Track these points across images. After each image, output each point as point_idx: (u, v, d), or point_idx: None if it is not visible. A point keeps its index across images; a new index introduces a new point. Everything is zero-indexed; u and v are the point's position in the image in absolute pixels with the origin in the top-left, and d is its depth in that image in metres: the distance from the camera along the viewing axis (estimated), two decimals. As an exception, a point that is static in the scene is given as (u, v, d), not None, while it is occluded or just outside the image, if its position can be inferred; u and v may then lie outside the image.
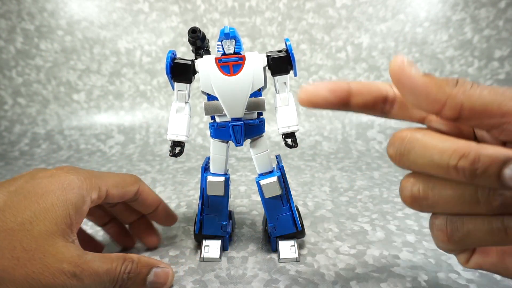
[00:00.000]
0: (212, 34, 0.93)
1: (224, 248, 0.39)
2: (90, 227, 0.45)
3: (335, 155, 0.81)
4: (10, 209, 0.26)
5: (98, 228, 0.43)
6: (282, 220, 0.37)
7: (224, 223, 0.38)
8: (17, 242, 0.25)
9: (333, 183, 0.62)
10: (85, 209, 0.29)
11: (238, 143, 0.35)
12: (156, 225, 0.45)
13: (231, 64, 0.32)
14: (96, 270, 0.27)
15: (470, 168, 0.18)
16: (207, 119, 0.92)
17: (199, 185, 0.37)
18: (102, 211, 0.38)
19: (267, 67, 0.34)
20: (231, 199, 0.54)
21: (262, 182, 0.35)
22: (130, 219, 0.39)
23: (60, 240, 0.26)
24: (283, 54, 0.34)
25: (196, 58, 0.34)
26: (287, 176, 0.39)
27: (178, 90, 0.35)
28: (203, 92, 0.34)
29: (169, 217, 0.40)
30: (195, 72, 0.34)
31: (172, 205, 0.53)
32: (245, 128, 0.34)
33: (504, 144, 0.21)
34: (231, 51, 0.32)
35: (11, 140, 0.91)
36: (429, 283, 0.33)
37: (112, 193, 0.32)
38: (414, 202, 0.22)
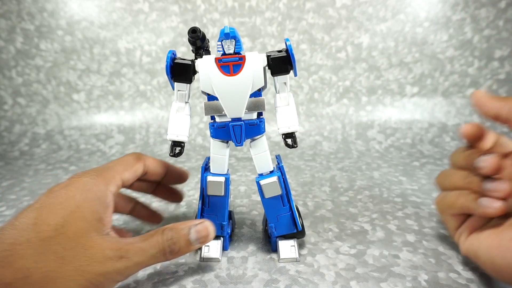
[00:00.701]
0: (212, 34, 0.93)
1: (224, 248, 0.39)
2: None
3: (335, 155, 0.81)
4: (42, 221, 0.27)
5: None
6: (282, 220, 0.37)
7: (224, 223, 0.38)
8: (57, 245, 0.26)
9: (333, 183, 0.62)
10: (110, 202, 0.31)
11: (238, 143, 0.35)
12: (158, 225, 0.45)
13: (231, 64, 0.32)
14: (140, 247, 0.28)
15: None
16: (207, 119, 0.92)
17: (199, 185, 0.37)
18: (124, 200, 0.40)
19: (267, 67, 0.34)
20: (231, 199, 0.54)
21: (262, 182, 0.35)
22: (150, 189, 0.41)
23: (95, 235, 0.28)
24: (283, 54, 0.34)
25: (196, 58, 0.34)
26: (287, 176, 0.39)
27: (178, 90, 0.35)
28: (203, 92, 0.34)
29: (181, 175, 0.42)
30: (195, 72, 0.34)
31: (172, 205, 0.53)
32: (245, 128, 0.34)
33: None
34: (231, 51, 0.32)
35: (11, 140, 0.91)
36: (429, 283, 0.33)
37: (126, 178, 0.34)
38: None
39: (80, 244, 0.27)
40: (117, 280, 0.28)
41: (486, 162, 0.29)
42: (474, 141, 0.34)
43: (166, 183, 0.42)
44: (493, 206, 0.29)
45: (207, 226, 0.32)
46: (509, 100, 0.30)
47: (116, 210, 0.39)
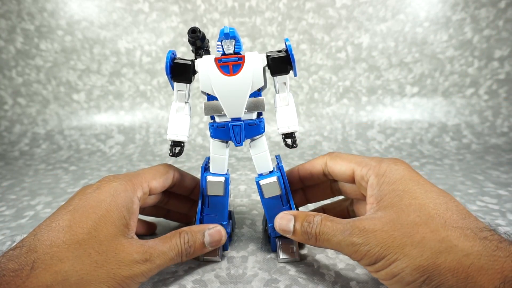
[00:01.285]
0: (212, 34, 0.93)
1: (223, 248, 0.39)
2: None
3: (335, 155, 0.81)
4: (75, 224, 0.29)
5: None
6: (282, 220, 0.37)
7: (224, 223, 0.38)
8: (90, 249, 0.28)
9: (333, 183, 0.61)
10: (136, 208, 0.33)
11: (238, 143, 0.35)
12: (158, 225, 0.45)
13: (230, 64, 0.32)
14: (162, 250, 0.30)
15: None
16: (207, 119, 0.92)
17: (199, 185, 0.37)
18: (158, 209, 0.42)
19: (267, 67, 0.34)
20: (231, 198, 0.54)
21: (262, 182, 0.35)
22: (185, 208, 0.43)
23: (123, 238, 0.30)
24: (283, 54, 0.34)
25: (196, 58, 0.34)
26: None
27: (178, 90, 0.35)
28: (203, 92, 0.34)
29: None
30: (195, 72, 0.34)
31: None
32: (245, 128, 0.34)
33: None
34: (231, 51, 0.32)
35: (11, 140, 0.91)
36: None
37: (154, 186, 0.35)
38: None
39: (111, 248, 0.28)
40: (140, 281, 0.30)
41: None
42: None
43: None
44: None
45: (220, 230, 0.35)
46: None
47: (151, 214, 0.42)
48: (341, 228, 0.29)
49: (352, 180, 0.35)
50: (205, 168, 0.37)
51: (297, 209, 0.39)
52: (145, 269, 0.29)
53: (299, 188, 0.40)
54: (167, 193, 0.40)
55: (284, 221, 0.33)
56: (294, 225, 0.32)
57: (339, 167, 0.36)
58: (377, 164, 0.32)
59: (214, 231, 0.34)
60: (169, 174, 0.37)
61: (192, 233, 0.33)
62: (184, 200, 0.42)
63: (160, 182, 0.36)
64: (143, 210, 0.40)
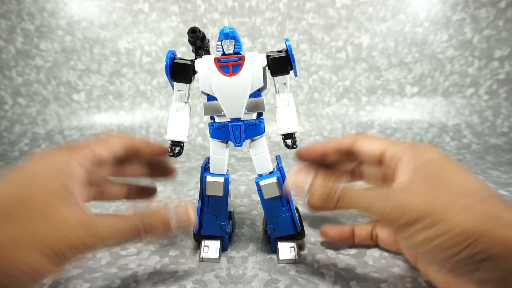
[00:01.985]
0: (212, 34, 0.93)
1: (223, 249, 0.39)
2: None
3: (335, 155, 0.81)
4: (1, 192, 0.27)
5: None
6: (282, 221, 0.37)
7: (223, 223, 0.38)
8: (14, 213, 0.25)
9: (333, 183, 0.61)
10: (78, 173, 0.29)
11: (238, 143, 0.35)
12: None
13: (230, 64, 0.32)
14: (109, 220, 0.27)
15: None
16: (207, 119, 0.92)
17: (199, 185, 0.37)
18: (115, 186, 0.39)
19: (267, 68, 0.34)
20: (231, 199, 0.54)
21: (262, 183, 0.35)
22: (143, 172, 0.40)
23: (59, 204, 0.27)
24: (283, 54, 0.34)
25: (196, 58, 0.34)
26: (287, 176, 0.39)
27: (178, 90, 0.35)
28: (202, 92, 0.34)
29: (157, 149, 0.39)
30: (194, 72, 0.34)
31: (172, 205, 0.53)
32: (245, 128, 0.34)
33: None
34: (231, 51, 0.32)
35: (11, 140, 0.91)
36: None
37: (99, 152, 0.32)
38: None
39: (40, 211, 0.26)
40: (80, 250, 0.26)
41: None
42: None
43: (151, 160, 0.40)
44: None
45: (187, 209, 0.32)
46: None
47: (112, 197, 0.38)
48: (372, 193, 0.27)
49: (380, 161, 0.33)
50: (205, 168, 0.37)
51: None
52: (82, 234, 0.26)
53: (315, 164, 0.38)
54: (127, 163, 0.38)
55: (301, 177, 0.31)
56: (312, 183, 0.30)
57: (369, 145, 0.33)
58: (411, 144, 0.31)
59: (179, 207, 0.31)
60: (118, 139, 0.34)
61: (153, 211, 0.30)
62: (145, 167, 0.39)
63: (106, 148, 0.33)
64: (109, 189, 0.38)
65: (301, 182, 0.30)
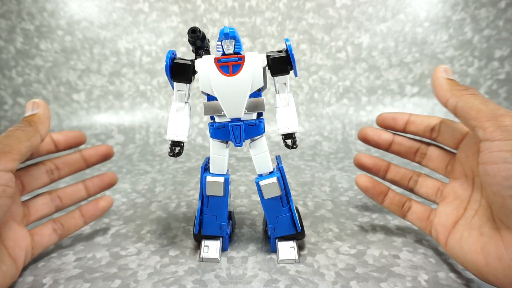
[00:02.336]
0: (212, 34, 0.93)
1: (223, 249, 0.39)
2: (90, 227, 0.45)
3: (335, 155, 0.81)
4: None
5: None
6: (282, 221, 0.37)
7: (223, 223, 0.38)
8: None
9: (333, 183, 0.61)
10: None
11: (238, 143, 0.35)
12: (158, 225, 0.45)
13: (230, 64, 0.32)
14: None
15: None
16: (207, 119, 0.92)
17: (199, 185, 0.37)
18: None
19: (267, 68, 0.34)
20: (231, 199, 0.54)
21: (262, 183, 0.35)
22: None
23: None
24: (283, 54, 0.34)
25: (196, 58, 0.34)
26: (287, 177, 0.39)
27: (178, 90, 0.35)
28: (202, 92, 0.34)
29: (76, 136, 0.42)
30: (194, 72, 0.34)
31: (172, 205, 0.53)
32: (245, 128, 0.34)
33: None
34: (231, 51, 0.32)
35: (11, 140, 0.90)
36: (429, 283, 0.33)
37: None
38: None
39: None
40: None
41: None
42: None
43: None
44: None
45: (29, 102, 0.35)
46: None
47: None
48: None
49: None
50: (205, 168, 0.37)
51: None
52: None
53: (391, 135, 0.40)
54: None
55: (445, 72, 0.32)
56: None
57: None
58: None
59: (26, 106, 0.35)
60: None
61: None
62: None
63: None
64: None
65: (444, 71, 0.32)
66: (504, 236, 0.27)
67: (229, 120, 0.34)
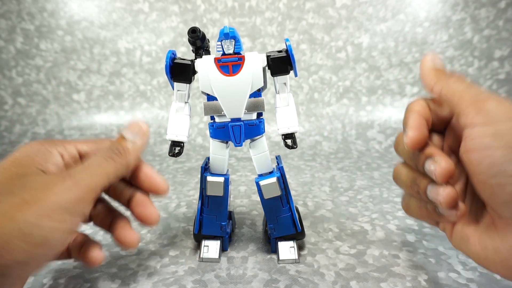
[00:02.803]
0: (212, 34, 0.93)
1: (223, 249, 0.39)
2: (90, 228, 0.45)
3: (335, 155, 0.81)
4: None
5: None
6: (282, 221, 0.37)
7: (223, 223, 0.38)
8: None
9: (333, 183, 0.61)
10: (56, 158, 0.28)
11: (238, 143, 0.35)
12: (158, 225, 0.45)
13: (230, 64, 0.32)
14: (84, 166, 0.27)
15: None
16: (207, 119, 0.92)
17: (199, 185, 0.37)
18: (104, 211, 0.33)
19: (267, 68, 0.34)
20: (231, 199, 0.54)
21: (262, 183, 0.35)
22: (126, 195, 0.33)
23: (37, 177, 0.26)
24: (283, 54, 0.34)
25: (196, 58, 0.34)
26: (287, 176, 0.39)
27: (178, 90, 0.35)
28: (202, 92, 0.34)
29: (155, 184, 0.32)
30: (194, 72, 0.34)
31: (172, 205, 0.53)
32: (245, 128, 0.34)
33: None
34: (231, 51, 0.32)
35: (11, 140, 0.91)
36: (429, 282, 0.33)
37: (83, 148, 0.30)
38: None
39: (20, 184, 0.25)
40: (74, 204, 0.25)
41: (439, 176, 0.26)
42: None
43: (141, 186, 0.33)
44: (452, 214, 0.27)
45: (137, 121, 0.31)
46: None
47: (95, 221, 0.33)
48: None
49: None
50: (205, 168, 0.37)
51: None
52: (66, 186, 0.25)
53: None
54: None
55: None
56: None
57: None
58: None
59: (133, 123, 0.31)
60: (105, 141, 0.31)
61: (115, 141, 0.30)
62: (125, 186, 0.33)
63: (91, 146, 0.31)
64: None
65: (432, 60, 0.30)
66: (498, 226, 0.26)
67: (229, 120, 0.34)
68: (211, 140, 0.36)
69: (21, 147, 0.29)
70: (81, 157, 0.30)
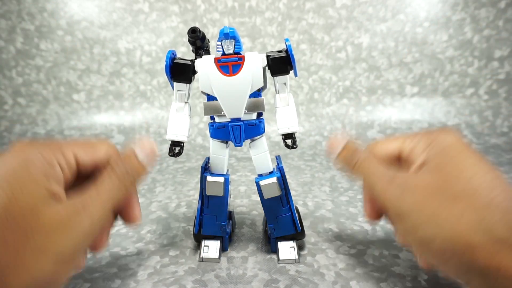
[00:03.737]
0: (212, 34, 0.93)
1: (223, 249, 0.39)
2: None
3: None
4: None
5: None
6: (282, 221, 0.37)
7: (223, 223, 0.38)
8: (5, 231, 0.22)
9: (333, 183, 0.61)
10: (58, 172, 0.26)
11: (238, 143, 0.35)
12: (158, 225, 0.45)
13: (230, 64, 0.32)
14: (97, 199, 0.26)
15: None
16: (207, 119, 0.92)
17: (199, 185, 0.37)
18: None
19: (267, 68, 0.34)
20: (231, 199, 0.54)
21: (262, 183, 0.35)
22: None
23: (46, 207, 0.24)
24: (283, 54, 0.34)
25: (196, 58, 0.34)
26: (287, 176, 0.39)
27: (178, 90, 0.35)
28: (202, 92, 0.34)
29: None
30: (194, 72, 0.34)
31: (172, 205, 0.53)
32: (245, 128, 0.34)
33: None
34: (231, 51, 0.32)
35: (11, 140, 0.91)
36: (429, 282, 0.33)
37: (79, 153, 0.27)
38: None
39: (32, 222, 0.22)
40: (86, 242, 0.25)
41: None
42: None
43: None
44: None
45: (151, 142, 0.30)
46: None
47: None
48: (382, 171, 0.28)
49: (397, 161, 0.31)
50: (205, 168, 0.37)
51: None
52: (83, 222, 0.24)
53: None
54: None
55: (336, 142, 0.32)
56: (341, 149, 0.32)
57: (388, 148, 0.31)
58: (426, 133, 0.30)
59: (143, 142, 0.30)
60: (102, 146, 0.29)
61: (124, 160, 0.28)
62: None
63: (88, 153, 0.28)
64: None
65: (334, 147, 0.32)
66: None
67: (229, 120, 0.34)
68: (211, 140, 0.36)
69: (14, 153, 0.25)
70: (78, 165, 0.28)
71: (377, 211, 0.32)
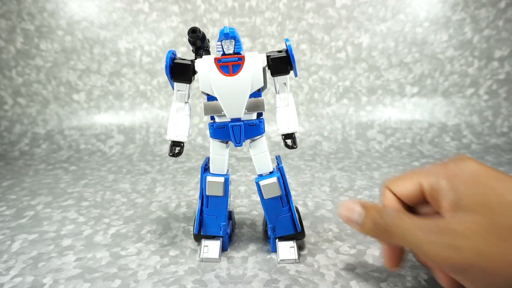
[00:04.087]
0: (212, 34, 0.93)
1: (223, 249, 0.39)
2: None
3: (335, 155, 0.81)
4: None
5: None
6: (282, 221, 0.37)
7: (223, 223, 0.38)
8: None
9: (333, 183, 0.61)
10: None
11: (238, 143, 0.35)
12: (158, 225, 0.45)
13: (230, 64, 0.32)
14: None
15: None
16: (207, 119, 0.92)
17: (199, 185, 0.37)
18: None
19: (267, 68, 0.34)
20: (231, 199, 0.54)
21: (262, 183, 0.35)
22: None
23: None
24: (283, 54, 0.34)
25: (196, 58, 0.34)
26: (287, 177, 0.39)
27: (178, 90, 0.35)
28: (202, 92, 0.34)
29: None
30: (194, 72, 0.34)
31: (172, 205, 0.53)
32: (245, 128, 0.34)
33: None
34: (231, 51, 0.32)
35: (11, 140, 0.91)
36: (429, 282, 0.33)
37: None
38: None
39: None
40: None
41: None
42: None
43: None
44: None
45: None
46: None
47: None
48: (420, 224, 0.25)
49: (423, 199, 0.29)
50: (205, 168, 0.37)
51: None
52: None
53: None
54: None
55: (349, 211, 0.29)
56: (362, 210, 0.28)
57: (402, 189, 0.29)
58: (443, 167, 0.27)
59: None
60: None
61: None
62: None
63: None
64: None
65: (350, 216, 0.29)
66: None
67: (229, 120, 0.34)
68: (211, 140, 0.36)
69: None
70: None
71: (398, 257, 0.30)
